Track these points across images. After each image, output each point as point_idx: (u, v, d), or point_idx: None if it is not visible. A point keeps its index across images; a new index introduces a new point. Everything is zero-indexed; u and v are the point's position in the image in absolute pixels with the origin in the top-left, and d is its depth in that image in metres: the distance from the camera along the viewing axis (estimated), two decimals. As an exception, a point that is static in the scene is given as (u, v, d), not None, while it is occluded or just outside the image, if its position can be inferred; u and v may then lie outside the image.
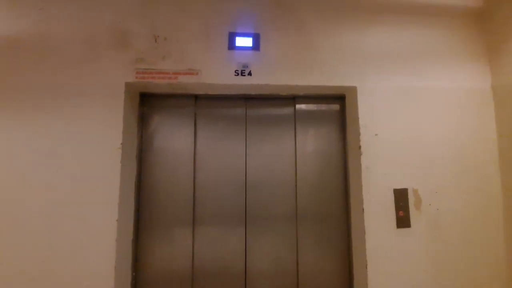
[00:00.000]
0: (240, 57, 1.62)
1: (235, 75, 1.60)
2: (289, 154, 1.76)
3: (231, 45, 1.62)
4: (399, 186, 1.55)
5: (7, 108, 1.45)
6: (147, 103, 1.70)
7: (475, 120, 1.65)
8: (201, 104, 1.75)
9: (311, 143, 1.77)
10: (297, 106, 1.80)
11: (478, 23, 1.75)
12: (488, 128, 1.65)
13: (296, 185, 1.72)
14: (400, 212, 1.52)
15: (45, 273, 1.35)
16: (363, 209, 1.52)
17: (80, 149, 1.43)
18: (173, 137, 1.69)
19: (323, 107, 1.82)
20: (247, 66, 1.61)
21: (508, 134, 1.58)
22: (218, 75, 1.59)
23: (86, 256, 1.37)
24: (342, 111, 1.80)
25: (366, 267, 1.48)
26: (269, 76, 1.62)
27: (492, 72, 1.70)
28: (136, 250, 1.59)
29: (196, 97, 1.73)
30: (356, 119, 1.62)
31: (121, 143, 1.45)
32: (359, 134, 1.59)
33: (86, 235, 1.38)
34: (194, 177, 1.67)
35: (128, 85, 1.52)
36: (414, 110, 1.63)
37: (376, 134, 1.59)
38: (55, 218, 1.38)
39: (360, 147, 1.58)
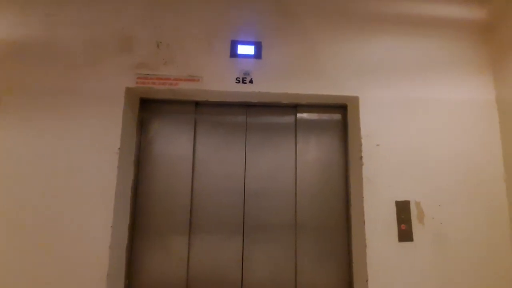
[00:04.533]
0: (241, 64, 1.62)
1: (236, 82, 1.59)
2: (289, 163, 1.73)
3: (233, 53, 1.63)
4: (401, 198, 1.51)
5: (7, 110, 1.45)
6: (147, 109, 1.70)
7: (479, 132, 1.62)
8: (202, 110, 1.74)
9: (312, 153, 1.75)
10: (298, 114, 1.78)
11: (482, 35, 1.74)
12: (493, 140, 1.62)
13: (295, 195, 1.69)
14: (402, 225, 1.48)
15: (35, 279, 1.32)
16: (364, 221, 1.48)
17: (77, 153, 1.42)
18: (172, 143, 1.68)
19: (325, 116, 1.80)
20: (249, 74, 1.61)
21: (513, 147, 1.54)
22: (219, 82, 1.59)
23: (78, 262, 1.34)
24: (344, 121, 1.78)
25: (367, 281, 1.43)
26: (270, 84, 1.61)
27: (496, 84, 1.68)
28: (130, 257, 1.55)
29: (197, 104, 1.72)
30: (357, 129, 1.60)
31: (119, 148, 1.43)
32: (360, 144, 1.57)
33: (79, 241, 1.35)
34: (192, 184, 1.65)
35: (128, 90, 1.52)
36: (417, 121, 1.61)
37: (378, 145, 1.57)
38: (47, 221, 1.36)
39: (361, 157, 1.55)
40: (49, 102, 1.47)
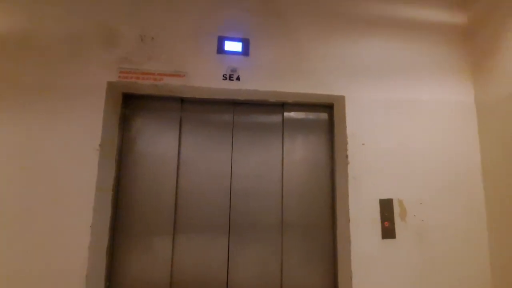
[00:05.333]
0: (228, 61, 1.60)
1: (223, 79, 1.57)
2: (276, 161, 1.73)
3: (220, 49, 1.60)
4: (384, 196, 1.54)
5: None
6: (131, 104, 1.64)
7: (459, 132, 1.68)
8: (187, 107, 1.70)
9: (298, 151, 1.75)
10: (286, 113, 1.78)
11: (462, 40, 1.81)
12: (472, 140, 1.68)
13: (282, 194, 1.68)
14: (386, 222, 1.51)
15: (10, 280, 1.25)
16: (349, 219, 1.50)
17: (56, 149, 1.36)
18: (157, 140, 1.63)
19: (312, 115, 1.81)
20: (236, 71, 1.59)
21: (490, 146, 1.61)
22: (205, 79, 1.56)
23: (55, 263, 1.28)
24: (331, 120, 1.79)
25: (351, 278, 1.45)
26: (257, 82, 1.60)
27: (475, 87, 1.75)
28: (111, 258, 1.49)
29: (182, 100, 1.68)
30: (343, 129, 1.62)
31: (100, 144, 1.38)
32: (346, 143, 1.59)
33: (56, 241, 1.29)
34: (177, 183, 1.61)
35: (110, 85, 1.46)
36: (400, 121, 1.65)
37: (363, 144, 1.59)
38: (23, 220, 1.29)
39: (347, 156, 1.57)
40: (27, 97, 1.40)
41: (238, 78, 1.58)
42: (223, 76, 1.57)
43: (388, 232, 1.51)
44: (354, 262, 1.46)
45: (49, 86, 1.42)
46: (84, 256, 1.29)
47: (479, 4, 1.75)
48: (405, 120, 1.65)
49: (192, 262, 1.56)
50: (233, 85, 1.57)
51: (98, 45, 1.49)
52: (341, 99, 1.65)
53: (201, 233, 1.59)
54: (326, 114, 1.81)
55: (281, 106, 1.77)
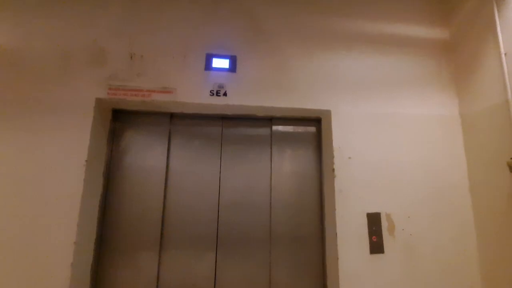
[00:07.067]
0: (216, 78, 1.63)
1: (211, 95, 1.60)
2: (265, 175, 1.73)
3: (208, 66, 1.64)
4: (372, 210, 1.54)
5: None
6: (120, 120, 1.66)
7: (445, 145, 1.69)
8: (176, 122, 1.72)
9: (287, 165, 1.75)
10: (274, 127, 1.80)
11: (445, 54, 1.85)
12: (458, 153, 1.69)
13: (270, 207, 1.67)
14: (374, 237, 1.49)
15: (-12, 302, 1.23)
16: (336, 234, 1.49)
17: (42, 164, 1.37)
18: (145, 155, 1.65)
19: (300, 129, 1.83)
20: (223, 87, 1.62)
21: (476, 158, 1.62)
22: (193, 95, 1.59)
23: (37, 280, 1.26)
24: (318, 134, 1.81)
25: (340, 295, 1.42)
26: (245, 97, 1.63)
27: (459, 100, 1.77)
28: (96, 276, 1.47)
29: (171, 116, 1.71)
30: (330, 142, 1.63)
31: (86, 160, 1.39)
32: (333, 157, 1.60)
33: (39, 257, 1.28)
34: (165, 198, 1.61)
35: (98, 101, 1.49)
36: (386, 135, 1.66)
37: (349, 158, 1.60)
38: (5, 236, 1.28)
39: (333, 170, 1.58)
40: (14, 112, 1.42)
41: (225, 94, 1.61)
42: (211, 92, 1.60)
43: (377, 246, 1.49)
44: (342, 278, 1.43)
45: (37, 101, 1.44)
46: (67, 273, 1.27)
47: (460, 20, 1.80)
48: (391, 133, 1.67)
49: (178, 279, 1.53)
50: (220, 101, 1.60)
51: (88, 63, 1.53)
52: (327, 113, 1.67)
53: (188, 249, 1.57)
54: (314, 128, 1.82)
55: (270, 120, 1.80)
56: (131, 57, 1.57)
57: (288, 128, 1.81)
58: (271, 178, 1.72)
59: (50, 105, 1.45)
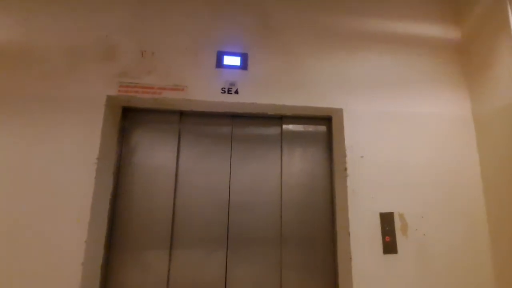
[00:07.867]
0: (227, 75, 1.62)
1: (222, 92, 1.59)
2: (275, 174, 1.71)
3: (219, 64, 1.63)
4: (385, 210, 1.52)
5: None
6: (130, 118, 1.65)
7: (458, 144, 1.67)
8: (186, 120, 1.71)
9: (297, 164, 1.74)
10: (284, 126, 1.78)
11: (457, 54, 1.84)
12: (471, 152, 1.67)
13: (281, 207, 1.66)
14: (387, 237, 1.48)
15: (-1, 301, 1.21)
16: (349, 233, 1.47)
17: (53, 162, 1.35)
18: (155, 153, 1.63)
19: (310, 128, 1.81)
20: (234, 85, 1.60)
21: (489, 158, 1.60)
22: (204, 92, 1.57)
23: (48, 279, 1.24)
24: (329, 133, 1.79)
25: (353, 296, 1.40)
26: (256, 95, 1.61)
27: (472, 100, 1.76)
28: (106, 274, 1.46)
29: (181, 113, 1.69)
30: (341, 141, 1.61)
31: (97, 158, 1.37)
32: (345, 156, 1.58)
33: (50, 256, 1.26)
34: (175, 196, 1.59)
35: (109, 98, 1.47)
36: (399, 134, 1.65)
37: (361, 156, 1.58)
38: (16, 234, 1.27)
39: (346, 169, 1.56)
40: (25, 109, 1.40)
41: (236, 92, 1.59)
42: (222, 89, 1.59)
43: (390, 247, 1.47)
44: (355, 279, 1.42)
45: (47, 99, 1.43)
46: (78, 272, 1.26)
47: (472, 19, 1.79)
48: (403, 132, 1.65)
49: (189, 277, 1.51)
50: (231, 99, 1.59)
51: (99, 60, 1.52)
52: (339, 111, 1.66)
53: (199, 248, 1.56)
54: (325, 126, 1.81)
55: (280, 118, 1.78)
56: (142, 54, 1.55)
57: (299, 127, 1.80)
58: (281, 178, 1.70)
59: (60, 102, 1.43)
